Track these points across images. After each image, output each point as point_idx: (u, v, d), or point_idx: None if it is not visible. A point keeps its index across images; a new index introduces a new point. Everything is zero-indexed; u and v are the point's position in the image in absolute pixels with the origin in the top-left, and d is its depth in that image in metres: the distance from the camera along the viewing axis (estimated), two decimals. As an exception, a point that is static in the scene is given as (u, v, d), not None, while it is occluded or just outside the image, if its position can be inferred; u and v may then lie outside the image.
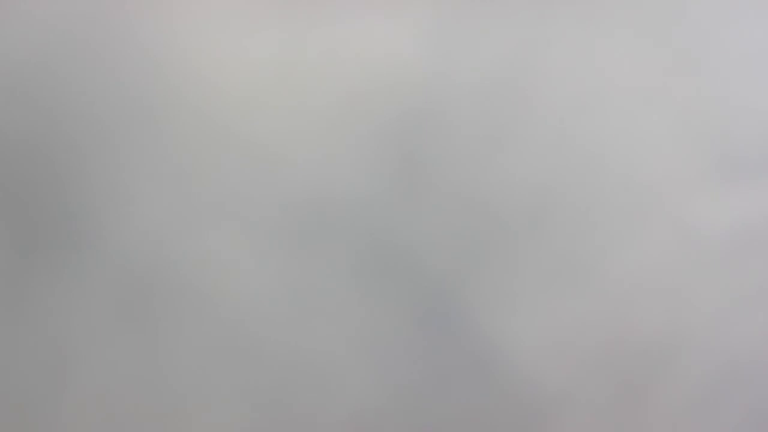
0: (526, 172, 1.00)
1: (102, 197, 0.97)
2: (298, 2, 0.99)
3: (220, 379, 1.00)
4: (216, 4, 0.97)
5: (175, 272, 0.99)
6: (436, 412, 0.99)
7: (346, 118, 1.01)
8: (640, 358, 1.04)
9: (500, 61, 1.00)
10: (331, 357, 0.99)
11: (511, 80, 1.00)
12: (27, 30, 0.96)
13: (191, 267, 0.99)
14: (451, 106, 1.01)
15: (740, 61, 1.01)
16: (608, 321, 1.03)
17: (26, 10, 0.96)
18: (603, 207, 1.02)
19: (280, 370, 1.00)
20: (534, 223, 1.01)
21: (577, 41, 0.99)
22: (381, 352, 0.99)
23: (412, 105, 1.01)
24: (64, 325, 0.98)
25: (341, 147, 1.01)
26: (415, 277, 1.00)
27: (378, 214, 1.01)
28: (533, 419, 1.01)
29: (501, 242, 1.01)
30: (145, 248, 0.98)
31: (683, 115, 1.01)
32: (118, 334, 0.99)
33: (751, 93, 1.01)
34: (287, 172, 1.01)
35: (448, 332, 1.01)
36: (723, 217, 1.02)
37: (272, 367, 1.00)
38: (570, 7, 0.99)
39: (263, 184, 1.00)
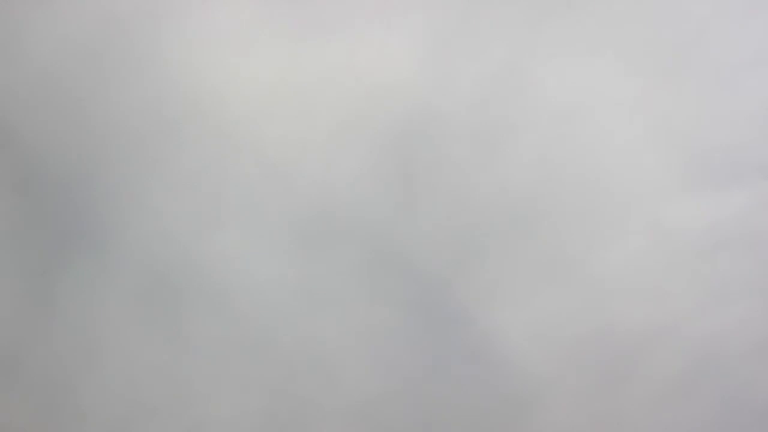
0: (516, 179, 1.07)
1: (125, 200, 1.04)
2: (303, 21, 1.06)
3: (233, 367, 1.07)
4: (228, 24, 1.04)
5: (191, 269, 1.06)
6: (433, 398, 1.06)
7: (348, 129, 1.08)
8: (620, 349, 1.09)
9: (494, 74, 1.07)
10: (337, 348, 1.07)
11: (503, 93, 1.07)
12: (53, 43, 1.03)
13: (206, 264, 1.06)
14: (447, 116, 1.08)
15: (715, 77, 1.08)
16: (591, 315, 1.08)
17: (53, 25, 1.02)
18: (587, 211, 1.08)
19: (289, 360, 1.07)
20: (524, 225, 1.08)
21: (566, 58, 1.06)
22: (382, 343, 1.07)
23: (410, 116, 1.08)
24: (90, 317, 1.05)
25: (344, 155, 1.08)
26: (413, 275, 1.07)
27: (378, 217, 1.08)
28: (520, 404, 1.07)
29: (493, 243, 1.08)
30: (164, 247, 1.05)
31: (661, 126, 1.08)
32: (138, 325, 1.06)
33: (724, 107, 1.08)
34: (294, 178, 1.08)
35: (444, 325, 1.07)
36: (697, 220, 1.08)
37: (282, 357, 1.07)
38: (561, 27, 1.06)
39: (273, 188, 1.07)
